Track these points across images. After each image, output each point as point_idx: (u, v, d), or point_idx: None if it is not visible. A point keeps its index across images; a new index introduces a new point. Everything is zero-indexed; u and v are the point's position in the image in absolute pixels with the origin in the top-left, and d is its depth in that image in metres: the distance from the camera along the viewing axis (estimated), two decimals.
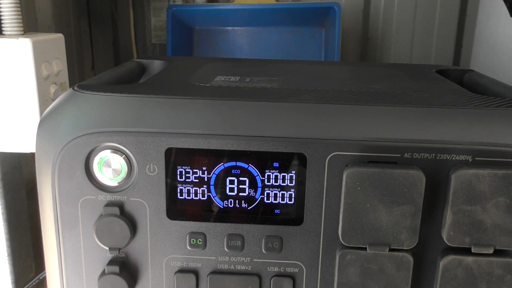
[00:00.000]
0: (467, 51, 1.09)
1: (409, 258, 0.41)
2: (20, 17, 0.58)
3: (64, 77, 0.63)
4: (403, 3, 1.08)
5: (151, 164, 0.43)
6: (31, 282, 0.65)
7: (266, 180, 0.43)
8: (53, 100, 0.59)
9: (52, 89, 0.60)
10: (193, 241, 0.44)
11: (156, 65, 0.65)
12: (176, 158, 0.42)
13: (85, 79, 0.47)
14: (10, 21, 0.57)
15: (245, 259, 0.44)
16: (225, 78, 0.53)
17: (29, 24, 0.73)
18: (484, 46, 1.01)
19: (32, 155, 0.70)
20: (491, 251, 0.41)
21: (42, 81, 0.58)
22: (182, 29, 1.00)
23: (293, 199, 0.43)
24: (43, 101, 0.58)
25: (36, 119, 0.57)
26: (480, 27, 1.04)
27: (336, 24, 0.93)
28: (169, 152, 0.42)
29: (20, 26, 0.58)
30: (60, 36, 0.62)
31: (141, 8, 1.10)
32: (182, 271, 0.45)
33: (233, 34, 1.03)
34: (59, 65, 0.61)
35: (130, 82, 0.57)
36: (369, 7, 1.09)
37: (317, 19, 0.99)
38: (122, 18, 1.12)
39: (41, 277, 0.65)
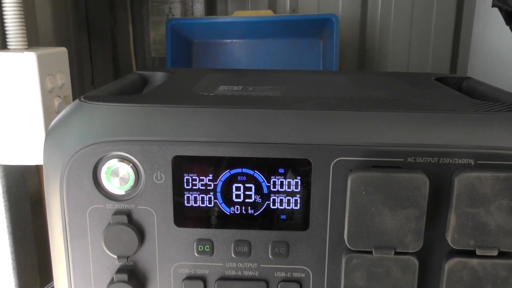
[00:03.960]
0: (463, 60, 1.10)
1: (415, 261, 0.42)
2: (25, 31, 0.59)
3: (68, 90, 0.64)
4: (399, 14, 1.09)
5: (158, 172, 0.43)
6: None
7: (271, 186, 0.43)
8: (57, 113, 0.60)
9: (56, 102, 0.61)
10: (200, 248, 0.44)
11: (158, 76, 0.65)
12: (182, 166, 0.43)
13: (86, 93, 0.48)
14: (15, 35, 0.58)
15: (252, 265, 0.45)
16: (228, 88, 0.54)
17: (31, 39, 0.74)
18: (481, 55, 1.03)
19: (35, 169, 0.71)
20: (495, 253, 0.42)
21: (47, 94, 0.59)
22: (181, 42, 1.01)
23: (298, 204, 0.43)
24: (48, 113, 0.59)
25: (41, 131, 0.58)
26: (476, 36, 1.05)
27: (334, 35, 0.94)
28: (175, 160, 0.43)
29: (25, 40, 0.59)
30: (63, 50, 0.63)
31: (140, 23, 1.12)
32: (190, 278, 0.45)
33: (231, 46, 1.04)
34: (63, 78, 0.62)
35: (133, 94, 0.57)
36: (365, 18, 1.10)
37: (315, 30, 1.00)
38: (121, 32, 1.13)
39: None
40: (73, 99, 0.56)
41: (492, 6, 0.69)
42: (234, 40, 1.03)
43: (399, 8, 1.09)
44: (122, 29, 1.13)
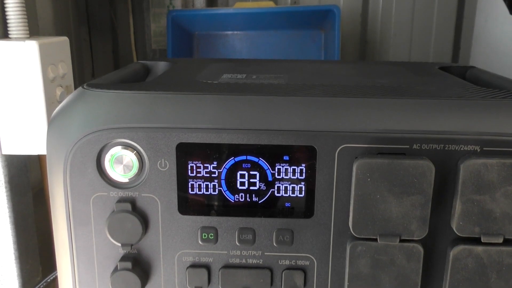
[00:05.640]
0: (465, 52, 1.10)
1: (420, 248, 0.42)
2: (26, 20, 0.58)
3: (69, 79, 0.64)
4: (400, 7, 1.09)
5: (162, 160, 0.43)
6: (38, 286, 0.65)
7: (276, 173, 0.43)
8: (59, 102, 0.60)
9: (58, 92, 0.60)
10: (204, 235, 0.44)
11: (160, 66, 0.65)
12: (187, 153, 0.43)
13: None
14: (16, 24, 0.57)
15: (257, 253, 0.45)
16: (231, 76, 0.53)
17: (32, 30, 0.74)
18: (483, 46, 1.02)
19: (37, 159, 0.71)
20: (500, 240, 0.41)
21: (49, 84, 0.58)
22: (182, 34, 1.00)
23: (303, 192, 0.43)
24: (50, 103, 0.58)
25: (43, 121, 0.58)
26: (478, 28, 1.05)
27: (335, 27, 0.94)
28: (180, 147, 0.42)
29: (26, 29, 0.58)
30: (65, 39, 0.63)
31: (140, 15, 1.11)
32: (194, 266, 0.45)
33: (232, 38, 1.03)
34: (65, 67, 0.62)
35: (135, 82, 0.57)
36: (367, 11, 1.10)
37: (316, 22, 0.99)
38: (121, 25, 1.12)
39: (48, 280, 0.65)
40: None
41: None
42: (235, 32, 1.03)
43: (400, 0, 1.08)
44: (122, 21, 1.12)
